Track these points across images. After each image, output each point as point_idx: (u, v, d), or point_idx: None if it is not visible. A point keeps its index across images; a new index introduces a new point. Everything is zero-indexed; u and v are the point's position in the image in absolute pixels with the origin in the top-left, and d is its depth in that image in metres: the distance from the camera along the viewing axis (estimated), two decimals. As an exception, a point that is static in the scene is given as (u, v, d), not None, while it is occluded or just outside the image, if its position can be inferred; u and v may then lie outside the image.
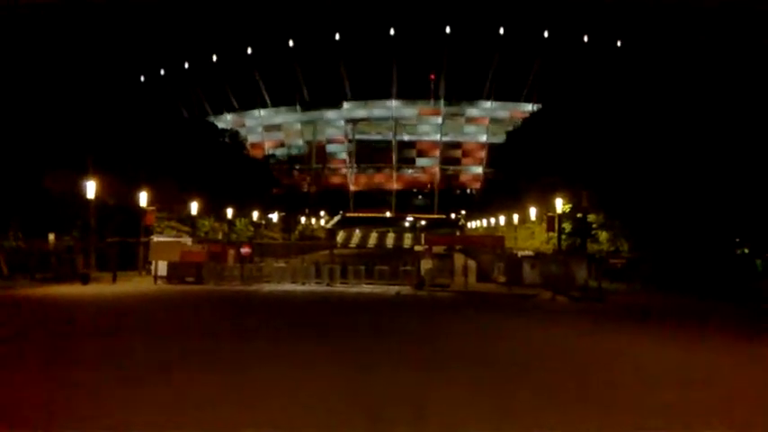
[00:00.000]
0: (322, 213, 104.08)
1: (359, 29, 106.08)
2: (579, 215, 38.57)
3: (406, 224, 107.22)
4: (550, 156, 44.11)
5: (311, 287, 31.80)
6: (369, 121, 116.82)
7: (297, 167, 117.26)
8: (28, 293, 25.43)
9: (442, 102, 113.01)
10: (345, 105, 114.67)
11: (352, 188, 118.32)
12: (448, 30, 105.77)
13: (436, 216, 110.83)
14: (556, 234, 37.78)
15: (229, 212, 52.81)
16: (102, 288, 28.60)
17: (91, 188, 32.40)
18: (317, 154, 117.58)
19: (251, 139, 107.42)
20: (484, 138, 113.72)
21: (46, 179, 34.35)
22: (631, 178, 33.96)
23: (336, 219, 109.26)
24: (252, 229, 61.89)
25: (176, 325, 18.19)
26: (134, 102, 52.27)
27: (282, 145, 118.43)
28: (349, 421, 8.25)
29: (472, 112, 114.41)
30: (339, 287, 31.79)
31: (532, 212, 48.95)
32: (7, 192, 32.50)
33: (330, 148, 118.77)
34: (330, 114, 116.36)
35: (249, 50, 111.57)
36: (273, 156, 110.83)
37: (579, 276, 31.45)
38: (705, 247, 31.54)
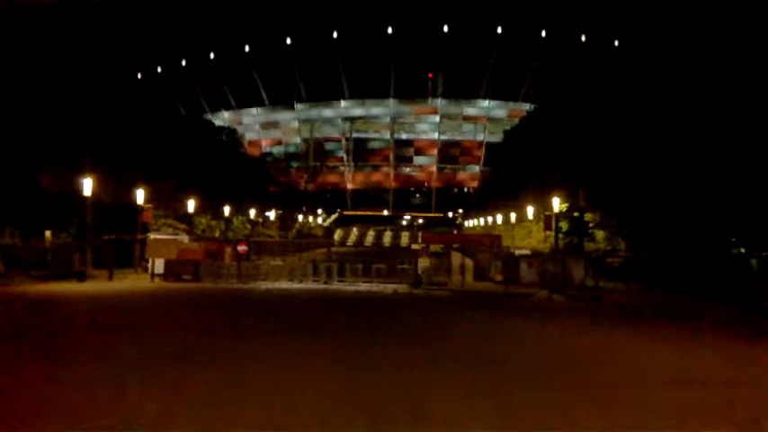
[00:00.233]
0: (319, 211, 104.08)
1: (356, 27, 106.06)
2: (576, 214, 38.67)
3: (404, 222, 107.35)
4: (548, 155, 44.22)
5: (308, 285, 31.77)
6: (366, 119, 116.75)
7: (294, 165, 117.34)
8: (24, 291, 25.34)
9: (439, 100, 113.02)
10: (343, 103, 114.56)
11: (349, 186, 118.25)
12: (445, 29, 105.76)
13: (433, 214, 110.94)
14: (553, 233, 37.78)
15: (226, 210, 52.75)
16: (98, 286, 28.52)
17: (87, 186, 32.31)
18: (315, 152, 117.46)
19: (248, 136, 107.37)
20: (481, 136, 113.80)
21: (42, 177, 34.29)
22: (628, 178, 34.05)
23: (334, 217, 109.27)
24: (249, 226, 61.83)
25: (173, 323, 18.15)
26: (131, 99, 52.28)
27: (280, 143, 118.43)
28: (349, 420, 8.23)
29: (470, 110, 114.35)
30: (336, 285, 31.79)
31: (530, 211, 49.00)
32: (3, 189, 32.41)
33: (327, 146, 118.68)
34: (327, 112, 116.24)
35: (246, 48, 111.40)
36: (271, 154, 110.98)
37: (576, 275, 31.51)
38: (701, 247, 31.63)
